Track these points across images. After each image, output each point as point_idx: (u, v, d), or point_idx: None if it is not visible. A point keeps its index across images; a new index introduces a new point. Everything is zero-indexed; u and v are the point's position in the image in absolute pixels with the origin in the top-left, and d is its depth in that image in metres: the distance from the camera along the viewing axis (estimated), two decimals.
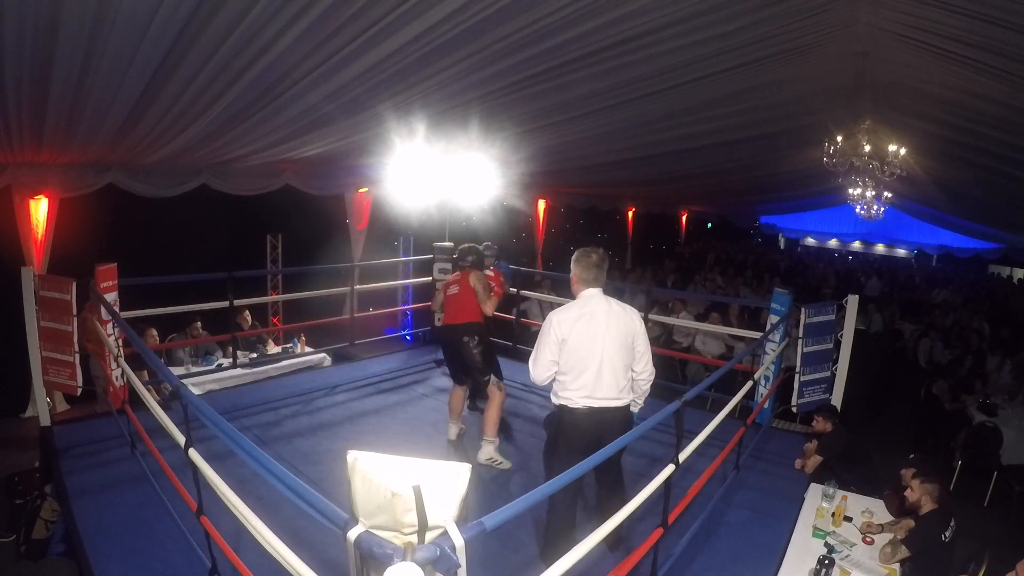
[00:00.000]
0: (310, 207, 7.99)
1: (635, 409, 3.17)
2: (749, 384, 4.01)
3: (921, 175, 9.31)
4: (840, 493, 3.72)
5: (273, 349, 6.46)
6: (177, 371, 5.31)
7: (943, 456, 5.96)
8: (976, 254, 18.13)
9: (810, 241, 22.95)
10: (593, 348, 2.93)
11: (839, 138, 7.14)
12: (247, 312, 6.39)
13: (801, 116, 7.21)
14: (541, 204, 11.11)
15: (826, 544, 3.21)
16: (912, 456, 3.69)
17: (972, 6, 3.65)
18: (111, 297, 4.30)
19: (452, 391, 4.67)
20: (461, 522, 1.47)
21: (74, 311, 4.16)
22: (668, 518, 2.71)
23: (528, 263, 9.86)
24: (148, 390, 3.26)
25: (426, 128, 5.28)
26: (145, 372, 5.11)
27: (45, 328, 4.21)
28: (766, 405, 4.96)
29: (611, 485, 3.21)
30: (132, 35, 2.97)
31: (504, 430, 4.67)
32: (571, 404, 2.98)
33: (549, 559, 2.26)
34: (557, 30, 3.84)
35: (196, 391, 5.18)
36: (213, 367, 5.69)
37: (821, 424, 4.34)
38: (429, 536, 1.41)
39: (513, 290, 6.35)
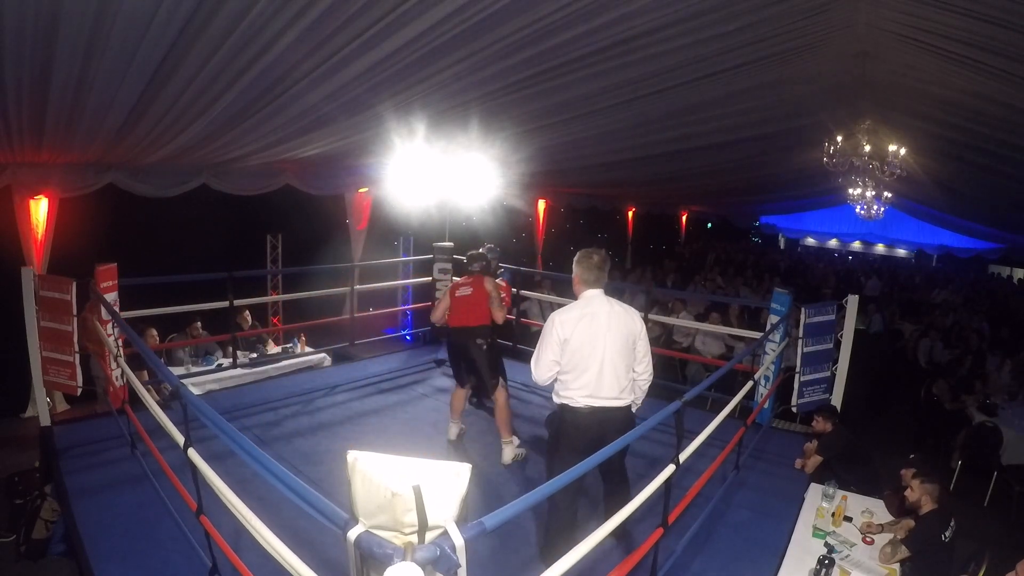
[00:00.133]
0: (310, 207, 7.99)
1: (633, 409, 3.17)
2: (749, 384, 4.01)
3: (921, 175, 9.30)
4: (840, 493, 3.72)
5: (273, 349, 6.46)
6: (177, 371, 5.31)
7: (943, 456, 5.96)
8: (976, 254, 18.11)
9: (810, 241, 22.94)
10: (595, 348, 2.95)
11: (839, 138, 7.14)
12: (247, 312, 6.39)
13: (801, 116, 7.21)
14: (541, 204, 11.10)
15: (826, 544, 3.21)
16: (912, 456, 3.68)
17: (972, 6, 3.66)
18: (111, 297, 4.30)
19: (454, 391, 4.67)
20: (461, 522, 1.48)
21: (74, 311, 4.16)
22: (668, 518, 2.72)
23: (528, 263, 9.85)
24: (148, 390, 3.27)
25: (426, 128, 5.28)
26: (145, 372, 5.11)
27: (45, 328, 4.22)
28: (766, 405, 4.96)
29: (617, 484, 3.23)
30: (132, 35, 2.97)
31: None
32: (573, 403, 2.99)
33: (549, 559, 2.27)
34: (557, 30, 3.84)
35: (196, 391, 5.18)
36: (213, 367, 5.69)
37: (821, 424, 4.34)
38: (429, 536, 1.42)
39: (513, 290, 6.35)
